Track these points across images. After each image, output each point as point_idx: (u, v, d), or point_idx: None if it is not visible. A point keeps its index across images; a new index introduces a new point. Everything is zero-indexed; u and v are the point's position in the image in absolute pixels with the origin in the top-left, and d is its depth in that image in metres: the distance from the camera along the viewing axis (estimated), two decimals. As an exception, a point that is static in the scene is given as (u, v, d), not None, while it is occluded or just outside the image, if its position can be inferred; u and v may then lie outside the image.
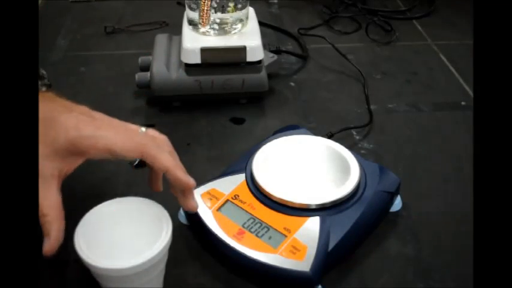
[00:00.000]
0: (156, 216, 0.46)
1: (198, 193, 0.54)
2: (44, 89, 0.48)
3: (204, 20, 0.69)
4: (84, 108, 0.46)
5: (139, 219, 0.47)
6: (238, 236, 0.50)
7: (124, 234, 0.46)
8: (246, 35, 0.72)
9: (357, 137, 0.69)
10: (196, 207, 0.49)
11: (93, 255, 0.43)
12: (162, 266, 0.46)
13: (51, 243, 0.42)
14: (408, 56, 0.88)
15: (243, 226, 0.51)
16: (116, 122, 0.47)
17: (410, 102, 0.76)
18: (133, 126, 0.47)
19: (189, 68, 0.71)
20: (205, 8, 0.68)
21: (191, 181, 0.46)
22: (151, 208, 0.47)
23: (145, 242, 0.44)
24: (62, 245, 0.53)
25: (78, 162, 0.45)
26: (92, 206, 0.58)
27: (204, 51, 0.69)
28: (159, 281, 0.48)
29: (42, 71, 0.50)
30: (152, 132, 0.48)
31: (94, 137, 0.43)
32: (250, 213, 0.52)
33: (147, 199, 0.48)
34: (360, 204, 0.53)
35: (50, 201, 0.43)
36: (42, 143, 0.42)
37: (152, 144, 0.45)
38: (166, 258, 0.46)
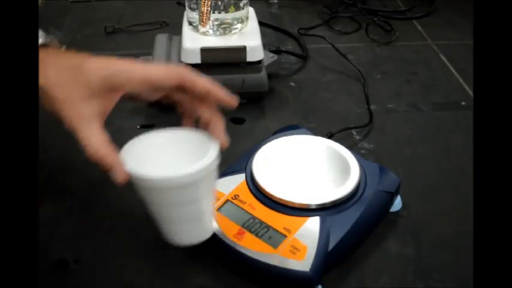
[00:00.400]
0: (202, 143, 0.46)
1: (198, 193, 0.54)
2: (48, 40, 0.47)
3: (204, 20, 0.69)
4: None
5: (185, 147, 0.46)
6: (238, 236, 0.50)
7: (169, 160, 0.45)
8: (246, 35, 0.72)
9: (357, 137, 0.69)
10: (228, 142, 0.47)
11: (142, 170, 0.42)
12: (209, 187, 0.45)
13: (120, 172, 0.43)
14: (408, 56, 0.88)
15: (243, 226, 0.51)
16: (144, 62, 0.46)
17: (410, 102, 0.76)
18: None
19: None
20: (205, 8, 0.68)
21: (235, 99, 0.46)
22: (197, 136, 0.47)
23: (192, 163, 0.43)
24: (62, 245, 0.54)
25: (115, 99, 0.44)
26: (92, 206, 0.59)
27: (204, 51, 0.69)
28: (208, 207, 0.47)
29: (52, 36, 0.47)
30: None
31: (129, 71, 0.43)
32: (250, 213, 0.52)
33: (191, 128, 0.47)
34: (360, 204, 0.53)
35: (97, 138, 0.43)
36: (75, 88, 0.42)
37: (188, 69, 0.45)
38: (214, 182, 0.46)
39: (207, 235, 0.49)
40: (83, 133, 0.43)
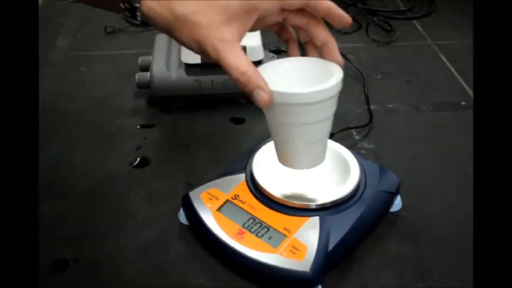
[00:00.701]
0: (324, 66, 0.49)
1: (198, 193, 0.54)
2: None
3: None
4: None
5: (310, 72, 0.49)
6: (238, 236, 0.50)
7: (297, 83, 0.47)
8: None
9: (357, 137, 0.69)
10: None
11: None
12: (336, 106, 0.48)
13: (266, 92, 0.44)
14: (408, 56, 0.88)
15: (243, 226, 0.51)
16: None
17: (410, 102, 0.76)
18: None
19: (189, 68, 0.71)
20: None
21: (349, 18, 0.49)
22: (318, 62, 0.49)
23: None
24: (62, 245, 0.54)
25: (252, 20, 0.46)
26: (92, 205, 0.59)
27: (204, 51, 0.69)
28: (330, 129, 0.50)
29: None
30: None
31: None
32: (250, 213, 0.52)
33: (317, 58, 0.50)
34: (360, 204, 0.53)
35: (241, 60, 0.44)
36: (214, 14, 0.43)
37: None
38: (335, 107, 0.48)
39: (323, 159, 0.51)
40: (228, 56, 0.44)
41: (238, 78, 0.44)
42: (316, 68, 0.49)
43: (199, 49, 0.45)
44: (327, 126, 0.49)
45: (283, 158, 0.51)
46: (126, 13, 0.47)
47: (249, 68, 0.44)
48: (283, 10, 0.47)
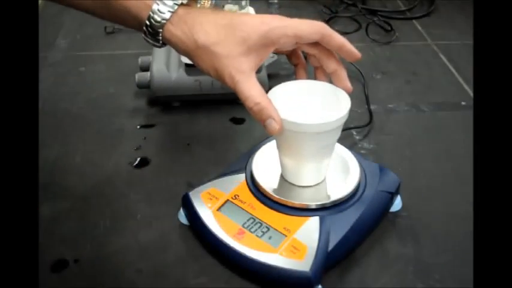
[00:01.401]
0: (331, 92, 0.51)
1: (198, 193, 0.54)
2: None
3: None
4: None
5: (317, 96, 0.51)
6: (238, 236, 0.50)
7: (304, 106, 0.51)
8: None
9: (357, 137, 0.69)
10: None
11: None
12: (337, 136, 0.51)
13: (277, 122, 0.46)
14: (408, 56, 0.88)
15: (243, 226, 0.51)
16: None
17: (410, 102, 0.76)
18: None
19: (189, 68, 0.71)
20: (206, 8, 0.68)
21: (359, 53, 0.51)
22: (327, 87, 0.52)
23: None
24: (62, 245, 0.54)
25: (268, 52, 0.48)
26: (92, 205, 0.59)
27: (204, 51, 0.69)
28: (332, 152, 0.53)
29: None
30: None
31: (283, 27, 0.46)
32: (250, 213, 0.52)
33: (324, 82, 0.52)
34: (360, 204, 0.53)
35: (256, 90, 0.46)
36: (234, 45, 0.46)
37: (325, 24, 0.49)
38: (340, 133, 0.51)
39: (323, 178, 0.55)
40: (244, 86, 0.46)
41: (252, 108, 0.46)
42: (325, 92, 0.52)
43: (217, 77, 0.47)
44: (331, 149, 0.53)
45: (289, 175, 0.55)
46: (149, 36, 0.49)
47: (263, 99, 0.46)
48: (297, 42, 0.49)
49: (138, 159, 0.65)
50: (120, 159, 0.64)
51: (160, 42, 0.49)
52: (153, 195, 0.59)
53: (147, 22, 0.47)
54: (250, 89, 0.46)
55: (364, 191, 0.54)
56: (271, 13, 1.00)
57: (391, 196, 0.56)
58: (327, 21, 0.96)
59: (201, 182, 0.56)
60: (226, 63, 0.45)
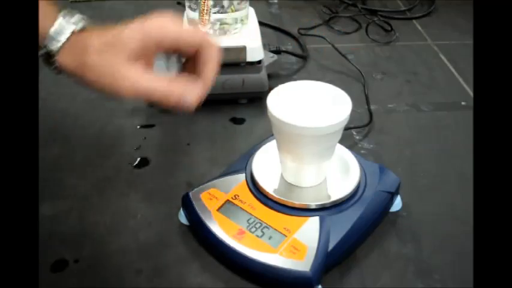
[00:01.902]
0: (334, 95, 0.52)
1: (198, 193, 0.54)
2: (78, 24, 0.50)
3: (204, 20, 0.69)
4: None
5: (317, 98, 0.52)
6: (238, 236, 0.50)
7: (304, 109, 0.51)
8: (246, 35, 0.72)
9: (357, 137, 0.69)
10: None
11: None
12: (338, 138, 0.52)
13: (193, 95, 0.46)
14: (408, 56, 0.88)
15: (243, 226, 0.51)
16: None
17: (410, 102, 0.76)
18: None
19: (189, 68, 0.71)
20: (205, 8, 0.68)
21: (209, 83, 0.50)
22: (328, 89, 0.52)
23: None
24: (62, 245, 0.54)
25: (152, 54, 0.49)
26: (92, 205, 0.59)
27: (204, 51, 0.69)
28: (333, 152, 0.54)
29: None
30: None
31: (161, 33, 0.48)
32: (250, 213, 0.52)
33: (328, 84, 0.53)
34: (360, 204, 0.53)
35: (159, 80, 0.47)
36: (118, 50, 0.46)
37: (207, 35, 0.50)
38: (340, 135, 0.51)
39: (323, 178, 0.55)
40: (144, 84, 0.46)
41: (161, 97, 0.46)
42: (326, 93, 0.52)
43: (112, 91, 0.46)
44: (331, 151, 0.53)
45: (289, 176, 0.55)
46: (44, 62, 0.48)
47: (169, 84, 0.47)
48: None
49: (138, 159, 0.65)
50: (120, 159, 0.64)
51: (55, 69, 0.48)
52: (153, 195, 0.59)
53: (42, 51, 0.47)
54: (153, 81, 0.46)
55: (364, 191, 0.54)
56: (271, 13, 1.00)
57: (391, 196, 0.56)
58: (327, 21, 0.96)
59: (201, 182, 0.56)
60: (118, 76, 0.46)
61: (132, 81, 0.46)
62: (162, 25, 0.49)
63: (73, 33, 0.48)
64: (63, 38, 0.47)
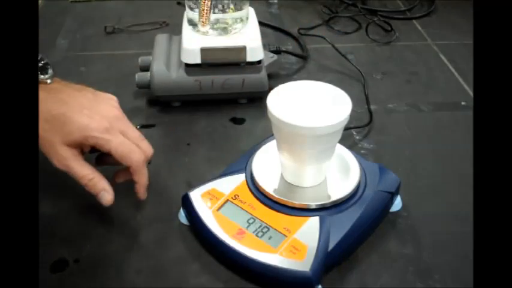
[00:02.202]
0: (333, 95, 0.52)
1: (198, 193, 0.54)
2: (47, 77, 0.54)
3: (204, 20, 0.69)
4: (88, 95, 0.56)
5: (317, 98, 0.52)
6: (238, 236, 0.50)
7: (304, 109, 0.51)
8: (246, 35, 0.72)
9: (357, 137, 0.69)
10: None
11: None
12: (338, 138, 0.52)
13: (111, 194, 0.53)
14: (408, 56, 0.88)
15: (243, 226, 0.51)
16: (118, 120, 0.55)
17: (410, 102, 0.76)
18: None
19: (189, 68, 0.71)
20: (205, 8, 0.68)
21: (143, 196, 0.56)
22: (328, 89, 0.53)
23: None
24: (62, 245, 0.54)
25: (89, 147, 0.54)
26: (92, 206, 0.58)
27: (204, 51, 0.69)
28: (331, 155, 0.54)
29: (45, 60, 0.53)
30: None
31: (102, 139, 0.52)
32: (250, 213, 0.52)
33: (327, 84, 0.53)
34: (360, 204, 0.53)
35: (87, 168, 0.52)
36: (60, 134, 0.51)
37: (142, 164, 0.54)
38: (340, 135, 0.52)
39: (323, 178, 0.55)
40: (76, 168, 0.52)
41: (87, 184, 0.52)
42: (325, 93, 0.52)
43: (49, 158, 0.52)
44: (332, 151, 0.53)
45: (289, 176, 0.55)
46: None
47: (95, 175, 0.52)
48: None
49: (150, 160, 0.65)
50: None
51: None
52: (153, 195, 0.59)
53: None
54: (81, 168, 0.52)
55: (364, 191, 0.54)
56: (271, 13, 1.00)
57: (391, 196, 0.56)
58: (327, 21, 0.96)
59: (201, 182, 0.56)
60: (54, 150, 0.51)
61: (62, 160, 0.51)
62: (110, 130, 0.52)
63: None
64: None
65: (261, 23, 0.76)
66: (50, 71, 0.54)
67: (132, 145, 0.53)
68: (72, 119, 0.51)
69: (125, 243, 0.54)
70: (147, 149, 0.55)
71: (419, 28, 0.97)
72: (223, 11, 0.70)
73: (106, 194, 0.52)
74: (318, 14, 1.00)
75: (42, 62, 0.54)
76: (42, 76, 0.53)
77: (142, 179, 0.54)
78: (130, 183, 0.58)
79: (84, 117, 0.52)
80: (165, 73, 0.71)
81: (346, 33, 0.94)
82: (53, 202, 0.58)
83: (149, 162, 0.56)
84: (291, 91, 0.52)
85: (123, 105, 0.73)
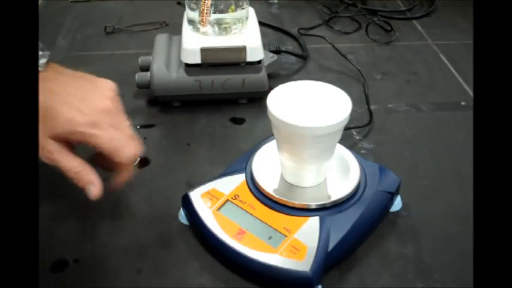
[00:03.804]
0: (333, 95, 0.52)
1: (198, 193, 0.54)
2: (43, 61, 0.52)
3: (204, 20, 0.69)
4: (82, 83, 0.53)
5: (317, 98, 0.52)
6: (238, 236, 0.50)
7: (304, 109, 0.51)
8: (246, 35, 0.72)
9: (357, 137, 0.69)
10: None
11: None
12: (338, 138, 0.52)
13: (98, 188, 0.51)
14: (408, 56, 0.88)
15: (243, 226, 0.51)
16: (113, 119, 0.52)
17: (410, 102, 0.76)
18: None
19: (189, 68, 0.71)
20: (205, 8, 0.68)
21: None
22: (328, 89, 0.53)
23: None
24: (62, 245, 0.54)
25: (76, 142, 0.51)
26: (92, 206, 0.59)
27: (204, 51, 0.69)
28: (331, 155, 0.54)
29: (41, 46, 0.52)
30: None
31: (88, 134, 0.49)
32: (250, 213, 0.52)
33: (328, 84, 0.53)
34: (360, 204, 0.53)
35: (74, 160, 0.50)
36: (46, 128, 0.48)
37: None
38: (340, 135, 0.52)
39: (323, 178, 0.55)
40: (63, 161, 0.50)
41: (73, 177, 0.50)
42: (325, 93, 0.52)
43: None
44: (332, 151, 0.53)
45: (289, 176, 0.55)
46: None
47: (82, 167, 0.50)
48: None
49: (138, 159, 0.64)
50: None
51: None
52: (153, 195, 0.60)
53: None
54: (68, 160, 0.50)
55: (364, 191, 0.54)
56: (271, 13, 1.00)
57: (391, 196, 0.56)
58: (327, 21, 0.96)
59: (201, 182, 0.56)
60: (40, 143, 0.49)
61: (48, 154, 0.49)
62: (96, 124, 0.50)
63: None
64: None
65: (261, 23, 0.77)
66: (44, 59, 0.52)
67: (121, 140, 0.51)
68: (58, 113, 0.49)
69: (124, 243, 0.54)
70: (136, 146, 0.52)
71: (419, 28, 0.97)
72: (223, 11, 0.70)
73: (93, 187, 0.50)
74: (318, 14, 1.00)
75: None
76: None
77: (124, 176, 0.53)
78: (130, 183, 0.58)
79: (71, 111, 0.49)
80: (165, 73, 0.71)
81: (346, 33, 0.94)
82: (53, 202, 0.58)
83: (140, 162, 0.55)
84: (291, 91, 0.52)
85: (123, 105, 0.73)
